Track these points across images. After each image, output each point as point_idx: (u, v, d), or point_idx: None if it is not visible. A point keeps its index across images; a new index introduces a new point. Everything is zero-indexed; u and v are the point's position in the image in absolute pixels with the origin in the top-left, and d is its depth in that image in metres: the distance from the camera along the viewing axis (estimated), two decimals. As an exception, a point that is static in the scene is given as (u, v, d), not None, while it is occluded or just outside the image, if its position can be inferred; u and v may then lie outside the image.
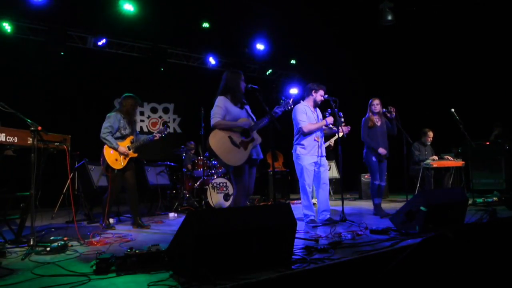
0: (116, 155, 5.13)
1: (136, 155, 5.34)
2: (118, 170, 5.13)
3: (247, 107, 4.50)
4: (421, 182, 7.55)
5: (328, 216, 5.21)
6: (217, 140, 4.14)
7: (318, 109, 5.56)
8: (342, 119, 5.44)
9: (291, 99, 4.46)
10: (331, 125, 5.42)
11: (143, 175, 7.32)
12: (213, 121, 4.21)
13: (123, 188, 5.37)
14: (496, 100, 9.21)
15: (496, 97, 9.20)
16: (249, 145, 4.23)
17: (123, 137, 5.25)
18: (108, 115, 5.23)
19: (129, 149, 5.24)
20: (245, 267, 2.75)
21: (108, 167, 5.10)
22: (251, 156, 4.26)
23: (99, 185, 6.23)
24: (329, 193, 9.51)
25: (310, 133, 5.25)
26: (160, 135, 5.59)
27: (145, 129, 10.54)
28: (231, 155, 4.13)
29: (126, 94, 5.42)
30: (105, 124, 5.14)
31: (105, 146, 5.11)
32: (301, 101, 5.47)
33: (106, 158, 5.09)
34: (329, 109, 5.43)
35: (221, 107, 4.24)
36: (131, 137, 5.34)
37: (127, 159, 5.21)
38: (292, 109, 4.89)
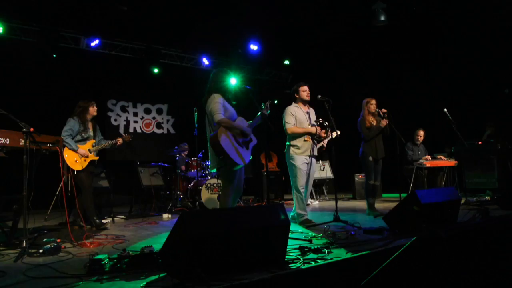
0: (75, 157, 5.22)
1: (97, 158, 5.48)
2: (78, 171, 5.21)
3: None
4: (415, 182, 7.59)
5: (306, 216, 5.25)
6: (226, 138, 4.08)
7: (311, 110, 5.54)
8: (326, 124, 5.42)
9: (268, 102, 4.45)
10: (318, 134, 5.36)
11: (137, 176, 7.31)
12: (216, 117, 4.11)
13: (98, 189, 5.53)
14: (489, 100, 9.26)
15: (489, 97, 9.26)
16: (248, 145, 4.29)
17: (84, 140, 5.38)
18: (69, 118, 5.35)
19: (90, 152, 5.37)
20: (239, 267, 2.76)
21: (68, 169, 5.15)
22: None
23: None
24: (323, 192, 9.62)
25: (295, 135, 5.26)
26: (122, 140, 5.73)
27: (139, 130, 10.51)
28: (238, 153, 4.13)
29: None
30: (65, 127, 5.25)
31: (65, 148, 5.16)
32: (293, 103, 5.49)
33: (66, 159, 5.14)
34: (319, 119, 5.42)
35: (221, 103, 4.20)
36: (93, 141, 5.48)
37: (87, 161, 5.31)
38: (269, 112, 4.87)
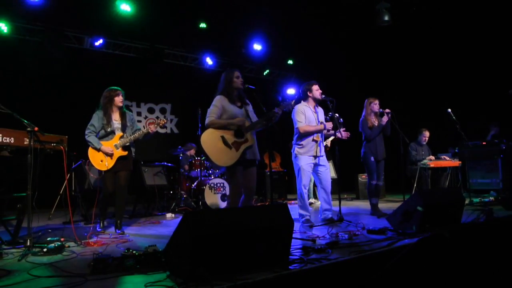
0: (101, 156, 4.82)
1: (126, 153, 4.91)
2: (106, 172, 4.87)
3: (249, 107, 4.48)
4: (418, 182, 7.57)
5: (330, 215, 5.23)
6: (209, 139, 4.14)
7: (320, 109, 5.54)
8: (342, 125, 5.40)
9: (293, 101, 4.41)
10: (329, 130, 5.40)
11: (140, 176, 7.31)
12: (207, 120, 4.22)
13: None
14: (493, 100, 9.23)
15: (493, 97, 9.23)
16: (241, 146, 4.19)
17: (108, 135, 4.91)
18: (93, 114, 4.99)
19: (116, 148, 4.86)
20: (242, 267, 2.75)
21: (94, 170, 4.92)
22: (245, 156, 4.23)
23: (96, 186, 6.21)
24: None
25: (307, 134, 5.26)
26: (155, 126, 5.00)
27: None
28: (221, 155, 4.11)
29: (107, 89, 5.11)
30: (88, 124, 4.89)
31: (89, 148, 4.85)
32: (302, 101, 5.48)
33: (91, 160, 4.84)
34: (330, 113, 5.40)
35: (217, 106, 4.25)
36: (120, 134, 4.94)
37: (114, 159, 4.84)
38: (291, 109, 4.82)
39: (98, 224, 5.13)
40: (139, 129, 5.08)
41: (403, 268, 2.47)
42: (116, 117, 5.02)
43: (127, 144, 4.94)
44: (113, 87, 5.05)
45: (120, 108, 5.06)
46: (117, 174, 4.95)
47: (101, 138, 4.89)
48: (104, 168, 4.83)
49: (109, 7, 8.35)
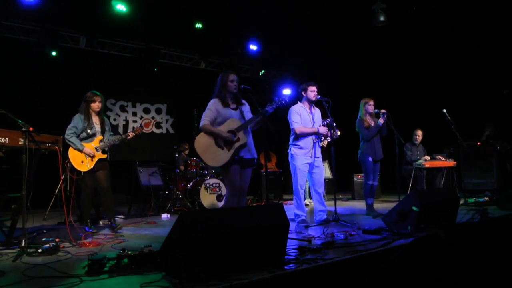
0: (81, 157, 4.89)
1: (105, 156, 5.07)
2: (85, 172, 4.92)
3: (244, 107, 4.49)
4: (414, 182, 7.59)
5: (325, 216, 5.24)
6: (201, 142, 4.25)
7: (316, 110, 5.54)
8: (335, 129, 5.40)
9: (287, 97, 4.43)
10: (324, 136, 5.40)
11: (136, 176, 7.30)
12: (201, 123, 4.30)
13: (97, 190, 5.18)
14: (488, 100, 9.28)
15: (488, 97, 9.27)
16: (233, 145, 4.23)
17: (89, 137, 5.01)
18: (74, 116, 5.04)
19: (97, 150, 4.99)
20: (238, 267, 2.76)
21: (73, 170, 4.89)
22: (240, 156, 4.25)
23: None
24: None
25: (302, 135, 5.26)
26: (133, 134, 5.24)
27: (138, 130, 10.48)
28: (213, 156, 4.19)
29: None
30: (69, 125, 4.94)
31: (70, 148, 4.89)
32: (298, 102, 5.48)
33: (71, 160, 4.87)
34: (327, 119, 5.40)
35: (212, 110, 4.32)
36: (100, 137, 5.07)
37: (94, 160, 4.95)
38: (286, 105, 4.79)
39: (87, 227, 5.02)
40: (112, 135, 5.28)
41: (398, 268, 2.48)
42: (96, 121, 5.14)
43: (106, 148, 5.09)
44: (94, 91, 5.17)
45: (98, 114, 5.19)
46: (96, 175, 5.05)
47: (82, 140, 4.98)
48: (85, 169, 4.91)
49: (105, 7, 8.31)
